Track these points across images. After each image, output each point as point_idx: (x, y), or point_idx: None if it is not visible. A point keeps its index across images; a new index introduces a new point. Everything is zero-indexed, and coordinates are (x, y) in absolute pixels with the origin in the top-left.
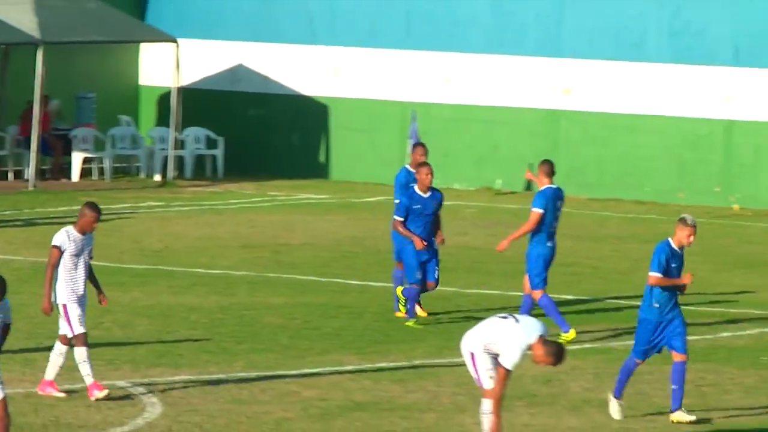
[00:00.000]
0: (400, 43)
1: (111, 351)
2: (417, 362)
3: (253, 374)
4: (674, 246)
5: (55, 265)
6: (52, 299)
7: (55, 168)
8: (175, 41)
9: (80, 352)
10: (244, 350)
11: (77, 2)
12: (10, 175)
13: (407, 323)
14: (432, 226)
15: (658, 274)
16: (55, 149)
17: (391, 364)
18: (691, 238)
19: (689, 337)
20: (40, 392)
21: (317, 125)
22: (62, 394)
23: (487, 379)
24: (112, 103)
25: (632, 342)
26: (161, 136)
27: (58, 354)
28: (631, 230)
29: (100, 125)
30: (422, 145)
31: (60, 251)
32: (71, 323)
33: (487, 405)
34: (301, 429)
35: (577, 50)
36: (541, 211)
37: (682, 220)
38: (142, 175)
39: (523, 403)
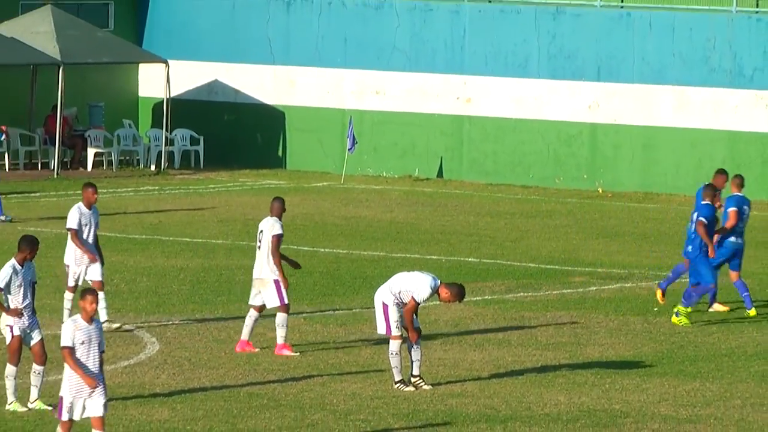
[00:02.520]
0: (340, 63)
1: (119, 302)
2: (356, 310)
3: (230, 320)
4: None
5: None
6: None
7: (74, 160)
8: (165, 62)
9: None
10: (222, 301)
11: (89, 31)
12: (40, 166)
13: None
14: None
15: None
16: (74, 146)
17: (336, 312)
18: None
19: (568, 291)
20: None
21: (276, 127)
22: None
23: (394, 328)
24: (117, 110)
25: (522, 294)
26: (156, 136)
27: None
28: (519, 208)
29: (108, 127)
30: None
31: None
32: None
33: (394, 346)
34: (266, 362)
35: (476, 69)
36: (736, 208)
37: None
38: (141, 166)
39: (437, 342)
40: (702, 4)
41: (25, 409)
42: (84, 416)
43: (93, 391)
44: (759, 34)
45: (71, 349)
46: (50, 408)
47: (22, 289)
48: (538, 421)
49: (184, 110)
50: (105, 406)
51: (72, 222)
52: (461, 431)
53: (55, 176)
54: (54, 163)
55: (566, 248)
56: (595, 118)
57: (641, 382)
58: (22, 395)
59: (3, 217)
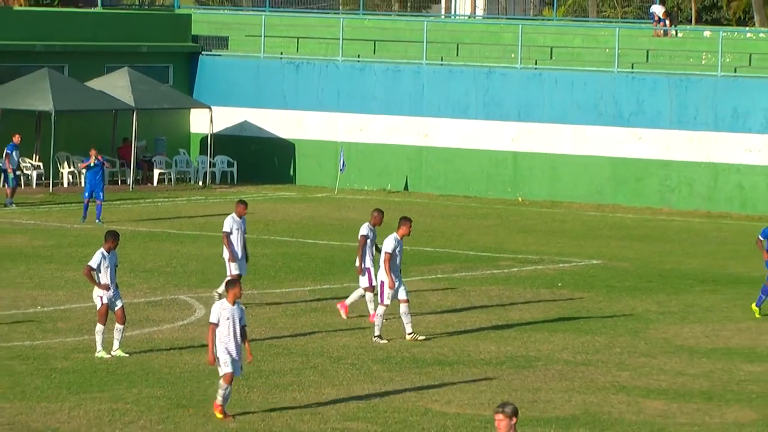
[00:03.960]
0: (335, 108)
1: (176, 279)
2: (346, 285)
3: (255, 292)
4: None
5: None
6: None
7: (144, 178)
8: (209, 108)
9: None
10: (249, 278)
11: (155, 86)
12: (119, 182)
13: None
14: None
15: None
16: (143, 168)
17: (332, 287)
18: None
19: (497, 272)
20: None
21: (288, 154)
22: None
23: (386, 299)
24: (175, 142)
25: (464, 273)
26: (202, 161)
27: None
28: (462, 212)
29: (169, 154)
30: None
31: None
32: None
33: (381, 311)
34: (282, 321)
35: (432, 112)
36: None
37: None
38: (192, 182)
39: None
40: (593, 66)
41: (108, 356)
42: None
43: (238, 356)
44: (632, 87)
45: (215, 325)
46: (127, 355)
47: (108, 270)
48: (476, 364)
49: (223, 142)
50: (240, 368)
51: (226, 227)
52: (421, 371)
53: (130, 190)
54: (129, 180)
55: (495, 241)
56: (516, 148)
57: (549, 336)
58: (106, 346)
59: (98, 221)
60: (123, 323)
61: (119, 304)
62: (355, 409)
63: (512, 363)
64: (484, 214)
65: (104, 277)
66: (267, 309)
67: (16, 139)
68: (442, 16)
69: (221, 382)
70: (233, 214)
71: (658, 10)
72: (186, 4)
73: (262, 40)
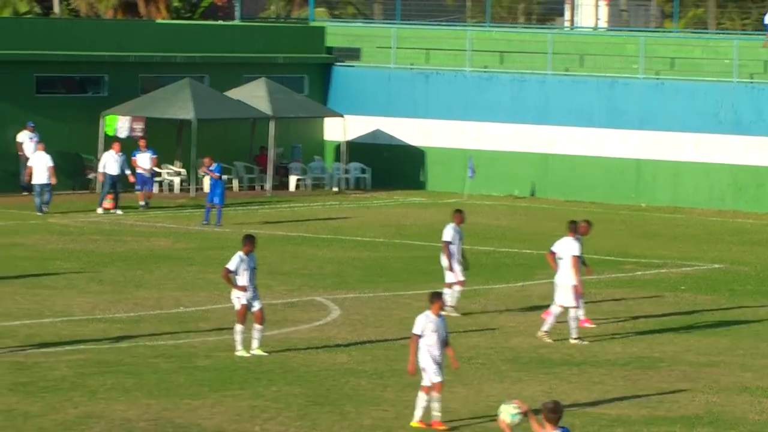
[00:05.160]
0: (463, 117)
1: (311, 281)
2: (476, 287)
3: (388, 294)
4: None
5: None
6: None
7: (280, 184)
8: (342, 116)
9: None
10: (382, 281)
11: (291, 96)
12: (257, 188)
13: None
14: None
15: None
16: (280, 174)
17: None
18: None
19: (621, 275)
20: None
21: (419, 161)
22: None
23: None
24: (310, 149)
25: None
26: (337, 167)
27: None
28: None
29: (305, 161)
30: None
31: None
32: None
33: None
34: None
35: (557, 121)
36: None
37: None
38: (327, 188)
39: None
40: (712, 76)
41: (248, 354)
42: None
43: (440, 366)
44: (751, 97)
45: (418, 336)
46: (266, 354)
47: (247, 272)
48: (602, 364)
49: (356, 149)
50: (441, 375)
51: (447, 236)
52: (549, 371)
53: (268, 195)
54: (267, 186)
55: (620, 245)
56: (639, 155)
57: (673, 338)
58: (246, 345)
59: (216, 226)
60: (262, 323)
61: (258, 305)
62: (485, 408)
63: (637, 364)
64: (608, 219)
65: (242, 279)
66: (400, 310)
67: (141, 144)
68: (567, 28)
69: (421, 393)
70: (452, 224)
71: None
72: (320, 16)
73: (393, 51)
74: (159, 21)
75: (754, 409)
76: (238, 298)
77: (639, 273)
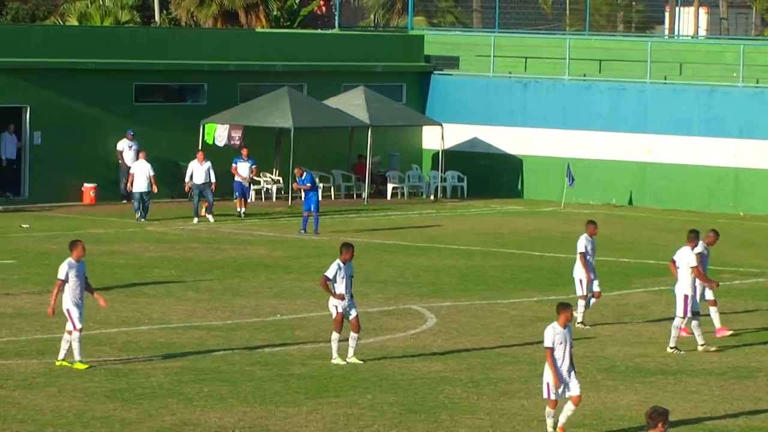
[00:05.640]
0: (561, 125)
1: (408, 289)
2: (572, 296)
3: (484, 302)
4: None
5: None
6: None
7: (377, 193)
8: (440, 125)
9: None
10: (479, 289)
11: (389, 104)
12: (354, 196)
13: None
14: None
15: None
16: (377, 182)
17: (557, 297)
18: None
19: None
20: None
21: (516, 169)
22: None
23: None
24: (408, 158)
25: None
26: (434, 175)
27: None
28: (685, 226)
29: (402, 169)
30: None
31: None
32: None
33: (677, 321)
34: (510, 331)
35: (655, 129)
36: None
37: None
38: (424, 196)
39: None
40: None
41: (344, 362)
42: (566, 395)
43: (570, 377)
44: None
45: (551, 350)
46: (362, 362)
47: (344, 280)
48: (698, 374)
49: (453, 158)
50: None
51: (581, 247)
52: (645, 380)
53: (365, 203)
54: (364, 194)
55: (718, 254)
56: (738, 164)
57: None
58: (341, 353)
59: (314, 234)
60: (358, 331)
61: (354, 313)
62: (581, 417)
63: (734, 373)
64: (706, 228)
65: (340, 287)
66: (496, 318)
67: (243, 153)
68: (666, 36)
69: (548, 409)
70: (585, 234)
71: None
72: (419, 25)
73: (491, 59)
74: (258, 30)
75: None
76: (335, 306)
77: (737, 282)
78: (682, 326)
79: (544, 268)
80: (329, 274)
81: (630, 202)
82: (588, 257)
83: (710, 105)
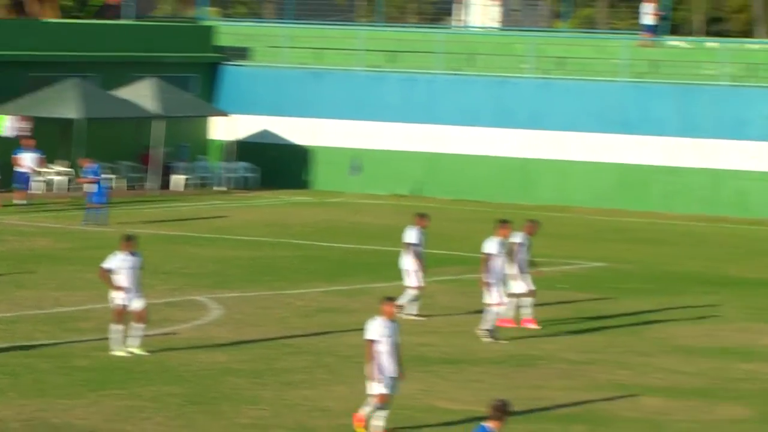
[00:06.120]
0: (352, 116)
1: (194, 280)
2: (358, 286)
3: (271, 293)
4: None
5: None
6: None
7: (166, 184)
8: (227, 115)
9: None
10: (267, 280)
11: (179, 95)
12: (142, 187)
13: None
14: None
15: None
16: (166, 173)
17: (344, 288)
18: None
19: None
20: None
21: (305, 161)
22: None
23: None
24: (197, 149)
25: (473, 275)
26: (223, 167)
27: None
28: (475, 217)
29: (191, 161)
30: None
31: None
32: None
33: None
34: (294, 322)
35: (446, 120)
36: None
37: None
38: (213, 188)
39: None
40: (601, 75)
41: (127, 354)
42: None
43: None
44: (639, 97)
45: (374, 342)
46: (147, 354)
47: (128, 272)
48: (480, 362)
49: (245, 149)
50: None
51: (411, 238)
52: (427, 369)
53: (153, 194)
54: (152, 185)
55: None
56: (527, 155)
57: (552, 336)
58: (124, 344)
59: (99, 225)
60: (142, 323)
61: (139, 304)
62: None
63: (515, 361)
64: (493, 218)
65: (122, 279)
66: (281, 309)
67: (28, 143)
68: (458, 28)
69: (371, 403)
70: (416, 227)
71: (647, 19)
72: (213, 15)
73: (284, 50)
74: (48, 20)
75: (630, 407)
76: (116, 298)
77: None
78: (502, 315)
79: (331, 258)
80: (108, 265)
81: (420, 193)
82: (419, 249)
83: (500, 96)
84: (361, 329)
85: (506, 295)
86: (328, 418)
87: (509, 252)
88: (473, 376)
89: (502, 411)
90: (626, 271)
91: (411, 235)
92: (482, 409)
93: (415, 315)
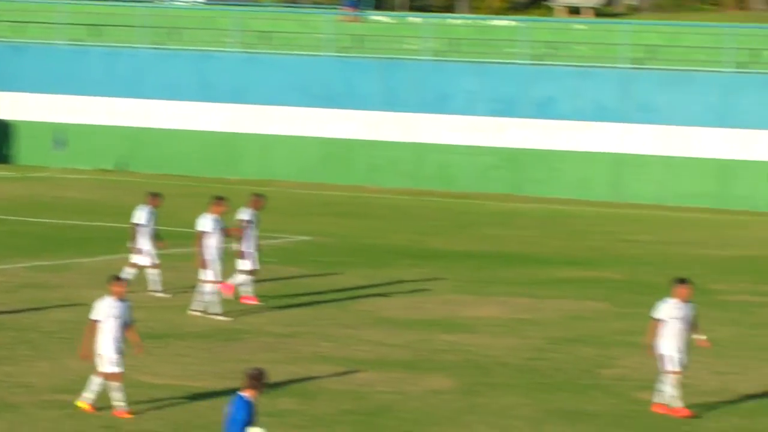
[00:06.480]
0: (55, 90)
1: None
2: (61, 261)
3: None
4: None
5: None
6: None
7: None
8: None
9: None
10: None
11: None
12: None
13: None
14: None
15: None
16: None
17: (47, 263)
18: None
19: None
20: None
21: (5, 135)
22: None
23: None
24: None
25: (183, 250)
26: None
27: None
28: (180, 191)
29: None
30: None
31: None
32: None
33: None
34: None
35: (150, 94)
36: None
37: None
38: None
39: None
40: (306, 50)
41: None
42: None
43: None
44: (343, 71)
45: (96, 322)
46: None
47: None
48: (185, 337)
49: None
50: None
51: (139, 218)
52: None
53: None
54: None
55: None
56: (231, 129)
57: (257, 310)
58: None
59: None
60: None
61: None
62: (69, 382)
63: (221, 336)
64: (199, 192)
65: None
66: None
67: None
68: (161, 1)
69: (97, 378)
70: (148, 206)
71: None
72: None
73: None
74: None
75: (335, 379)
76: None
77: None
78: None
79: (35, 233)
80: None
81: (125, 168)
82: (144, 228)
83: (203, 70)
84: (65, 305)
85: (239, 273)
86: (31, 395)
87: (224, 230)
88: (179, 350)
89: (257, 380)
90: (332, 245)
91: (140, 215)
92: (188, 383)
93: (160, 291)
